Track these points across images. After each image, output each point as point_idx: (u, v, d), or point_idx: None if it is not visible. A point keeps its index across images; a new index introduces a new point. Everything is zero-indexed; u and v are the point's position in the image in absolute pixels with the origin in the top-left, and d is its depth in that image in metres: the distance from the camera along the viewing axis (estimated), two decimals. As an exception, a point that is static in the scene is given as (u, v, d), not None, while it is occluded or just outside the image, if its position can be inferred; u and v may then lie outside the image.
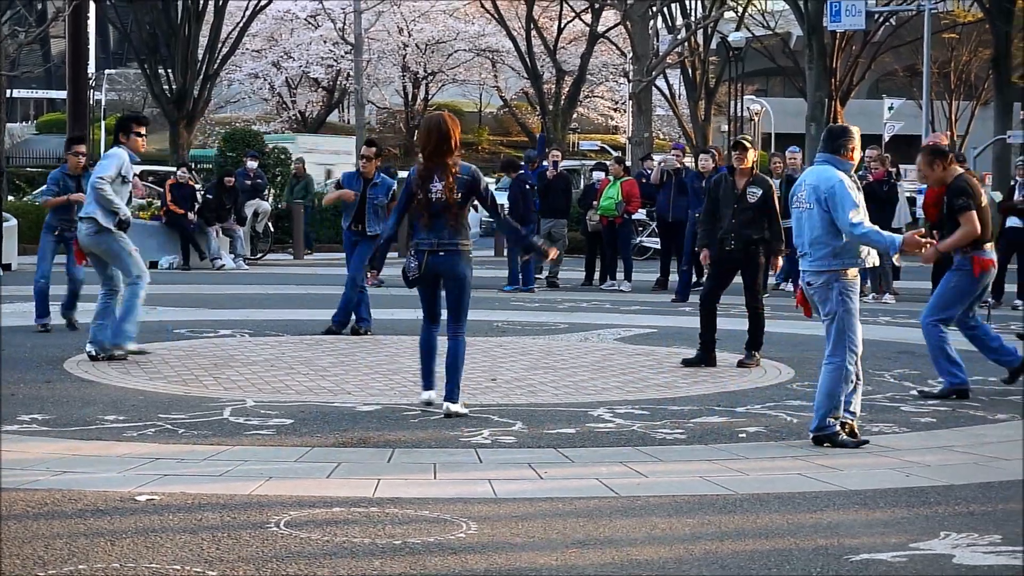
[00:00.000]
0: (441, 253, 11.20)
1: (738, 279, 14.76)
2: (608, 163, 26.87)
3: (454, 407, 11.17)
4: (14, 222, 28.38)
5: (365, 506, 8.11)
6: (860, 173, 23.19)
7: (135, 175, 15.83)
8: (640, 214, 28.80)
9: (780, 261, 15.05)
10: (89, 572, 6.66)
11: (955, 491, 8.81)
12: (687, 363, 14.49)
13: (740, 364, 14.44)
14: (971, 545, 7.41)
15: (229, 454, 9.63)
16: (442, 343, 11.42)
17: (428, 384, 11.59)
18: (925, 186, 30.39)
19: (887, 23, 54.73)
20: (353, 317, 16.75)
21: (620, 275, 24.88)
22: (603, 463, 9.55)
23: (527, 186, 24.63)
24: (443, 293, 11.43)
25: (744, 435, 10.66)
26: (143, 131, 14.52)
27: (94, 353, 14.09)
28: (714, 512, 8.18)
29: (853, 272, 10.44)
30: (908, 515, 8.17)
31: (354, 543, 7.30)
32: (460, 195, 11.19)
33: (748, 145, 14.85)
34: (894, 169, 24.61)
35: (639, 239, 31.74)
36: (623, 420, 11.18)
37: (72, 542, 7.18)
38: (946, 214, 12.71)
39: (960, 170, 12.81)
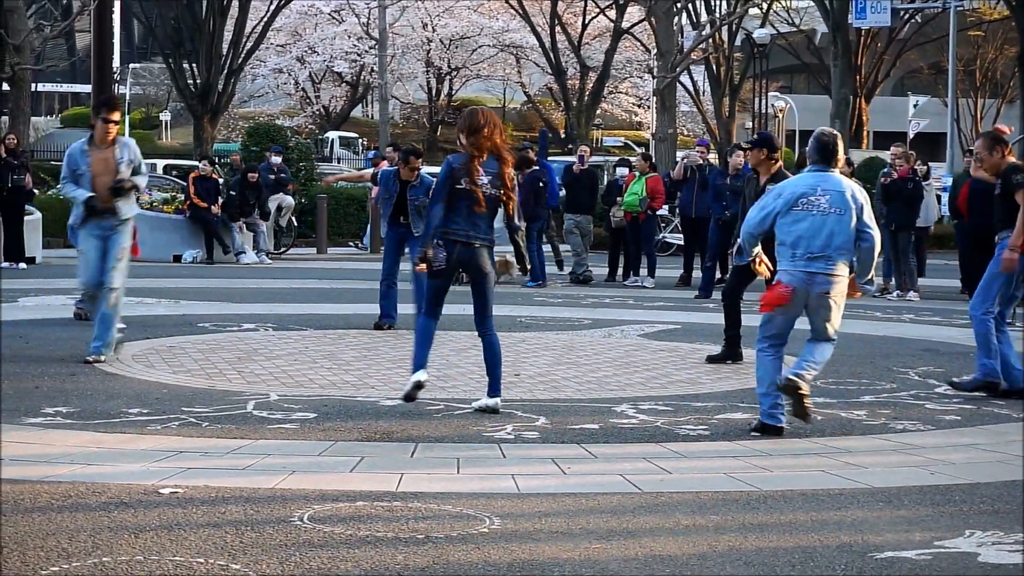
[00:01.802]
0: (476, 245, 11.16)
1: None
2: (633, 159, 26.85)
3: (499, 402, 11.22)
4: (38, 215, 28.46)
5: (388, 500, 8.10)
6: (884, 171, 23.17)
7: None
8: (663, 210, 28.77)
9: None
10: (113, 565, 6.67)
11: (980, 489, 8.78)
12: (712, 360, 14.46)
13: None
14: (996, 543, 7.38)
15: (252, 447, 9.64)
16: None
17: (424, 363, 11.15)
18: (950, 184, 30.29)
19: (912, 20, 54.65)
20: (378, 312, 16.79)
21: (643, 271, 24.87)
22: (626, 459, 9.53)
23: (540, 183, 24.71)
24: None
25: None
26: (114, 117, 13.61)
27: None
28: (738, 509, 8.16)
29: None
30: (933, 513, 8.14)
31: (377, 537, 7.30)
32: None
33: (748, 146, 14.97)
34: (923, 167, 24.59)
35: (662, 235, 31.70)
36: (647, 416, 11.17)
37: (96, 535, 7.19)
38: (999, 201, 12.71)
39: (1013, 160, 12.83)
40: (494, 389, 11.25)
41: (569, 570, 6.78)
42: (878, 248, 10.64)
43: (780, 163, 14.74)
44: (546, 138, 37.89)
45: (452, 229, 11.10)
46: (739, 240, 11.21)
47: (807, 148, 11.01)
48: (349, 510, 7.87)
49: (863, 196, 10.63)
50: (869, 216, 10.56)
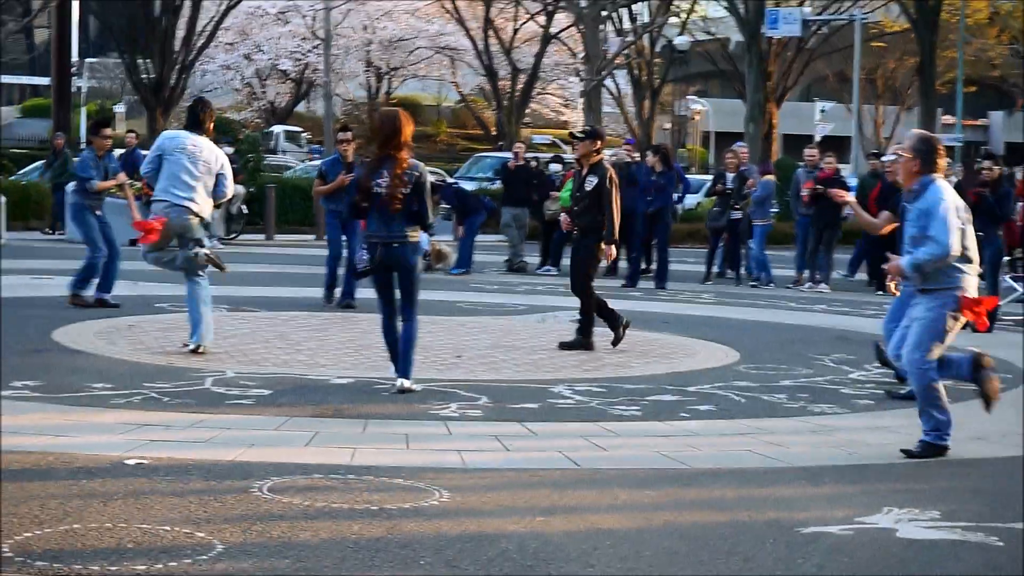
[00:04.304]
0: (394, 245, 10.94)
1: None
2: (567, 157, 26.88)
3: (407, 383, 11.02)
4: (2, 200, 28.11)
5: (343, 473, 8.03)
6: (801, 170, 23.13)
7: None
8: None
9: (612, 250, 14.47)
10: (83, 531, 6.56)
11: (895, 469, 8.80)
12: (564, 346, 14.06)
13: (613, 343, 14.15)
14: (913, 520, 7.39)
15: (212, 422, 9.52)
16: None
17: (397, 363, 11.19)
18: (855, 185, 30.33)
19: (820, 31, 54.88)
20: (339, 293, 16.90)
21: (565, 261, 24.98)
22: (564, 436, 9.49)
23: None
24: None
25: (696, 412, 10.62)
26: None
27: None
28: (671, 484, 8.13)
29: None
30: (852, 491, 8.14)
31: (334, 508, 7.23)
32: (408, 190, 10.89)
33: (580, 136, 14.62)
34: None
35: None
36: (582, 396, 11.12)
37: (66, 503, 7.08)
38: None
39: None
40: (404, 371, 11.08)
41: (516, 543, 6.72)
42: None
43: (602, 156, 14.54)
44: None
45: (371, 232, 10.99)
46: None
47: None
48: (306, 482, 7.78)
49: None
50: None
